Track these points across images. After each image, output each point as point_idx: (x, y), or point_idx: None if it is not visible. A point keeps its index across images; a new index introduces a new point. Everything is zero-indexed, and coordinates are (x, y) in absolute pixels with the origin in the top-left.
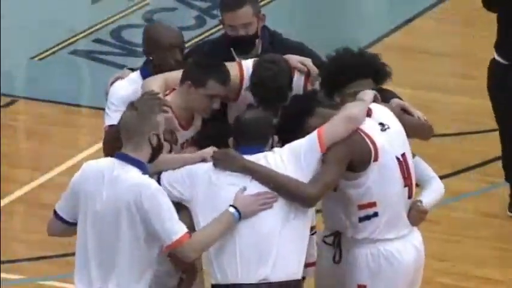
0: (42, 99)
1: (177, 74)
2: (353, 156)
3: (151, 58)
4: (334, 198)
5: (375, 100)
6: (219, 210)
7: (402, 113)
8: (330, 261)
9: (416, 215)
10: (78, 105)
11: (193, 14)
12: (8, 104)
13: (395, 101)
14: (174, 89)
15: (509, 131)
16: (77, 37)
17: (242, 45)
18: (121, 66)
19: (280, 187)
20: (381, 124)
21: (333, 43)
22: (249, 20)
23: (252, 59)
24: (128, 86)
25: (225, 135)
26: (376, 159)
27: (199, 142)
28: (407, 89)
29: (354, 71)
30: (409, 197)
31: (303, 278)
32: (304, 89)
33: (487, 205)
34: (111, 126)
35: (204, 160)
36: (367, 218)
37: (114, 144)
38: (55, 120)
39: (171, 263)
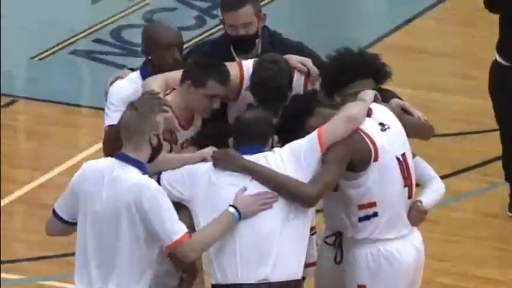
0: (42, 99)
1: (177, 74)
2: (353, 156)
3: (150, 58)
4: (334, 198)
5: (375, 100)
6: (219, 210)
7: (402, 113)
8: (331, 261)
9: (416, 215)
10: (78, 105)
11: (193, 14)
12: (8, 104)
13: (395, 101)
14: (174, 89)
15: (510, 132)
16: (77, 37)
17: (242, 45)
18: (121, 66)
19: (280, 187)
20: (381, 124)
21: (333, 43)
22: (249, 20)
23: (252, 59)
24: (127, 86)
25: (225, 135)
26: (376, 159)
27: (199, 142)
28: (407, 89)
29: (354, 71)
30: (409, 197)
31: (303, 278)
32: (305, 89)
33: (487, 205)
34: (111, 126)
35: (204, 160)
36: (367, 218)
37: (114, 144)
38: (55, 120)
39: (171, 263)
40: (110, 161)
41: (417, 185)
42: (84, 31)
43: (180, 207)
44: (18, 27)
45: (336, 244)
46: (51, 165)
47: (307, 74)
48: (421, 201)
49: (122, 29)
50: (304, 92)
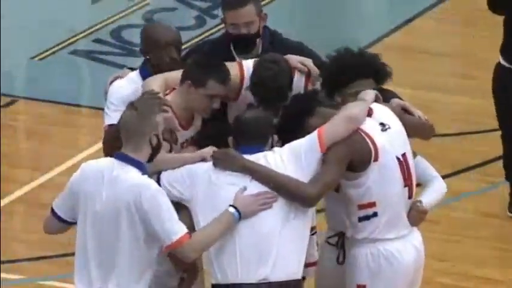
0: (42, 99)
1: (177, 74)
2: (353, 156)
3: (148, 58)
4: (336, 199)
5: (376, 100)
6: (218, 210)
7: (403, 113)
8: (333, 262)
9: (416, 215)
10: (78, 105)
11: (193, 14)
12: (8, 104)
13: (395, 100)
14: (174, 89)
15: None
16: (77, 37)
17: (243, 44)
18: (121, 66)
19: (280, 187)
20: (382, 124)
21: (333, 43)
22: (251, 19)
23: (253, 59)
24: (127, 86)
25: (225, 134)
26: (376, 159)
27: (199, 142)
28: (407, 89)
29: (354, 71)
30: (409, 197)
31: (303, 278)
32: (305, 89)
33: (487, 205)
34: (110, 125)
35: (204, 160)
36: (367, 218)
37: (114, 143)
38: (55, 120)
39: (172, 263)
40: (109, 161)
41: (418, 184)
42: (84, 31)
43: (180, 207)
44: (18, 27)
45: (339, 244)
46: (51, 165)
47: (308, 74)
48: (420, 201)
49: (122, 29)
50: (305, 91)
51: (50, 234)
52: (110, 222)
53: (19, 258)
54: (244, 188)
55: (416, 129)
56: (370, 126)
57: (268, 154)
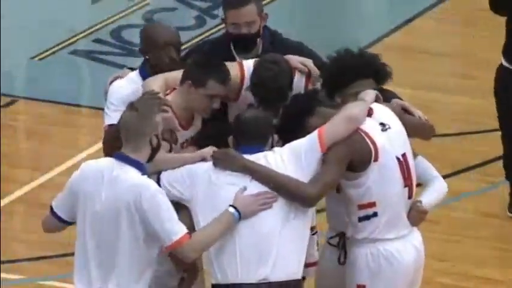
0: (42, 99)
1: (178, 74)
2: (353, 156)
3: (148, 58)
4: (337, 199)
5: (376, 100)
6: (218, 210)
7: (403, 113)
8: (334, 262)
9: (416, 215)
10: (78, 105)
11: (193, 14)
12: (8, 104)
13: (395, 100)
14: (174, 89)
15: None
16: (77, 37)
17: (244, 44)
18: (121, 66)
19: (280, 187)
20: (382, 124)
21: (333, 43)
22: (252, 19)
23: (253, 59)
24: (127, 86)
25: (225, 135)
26: (376, 159)
27: (199, 142)
28: (407, 89)
29: (354, 72)
30: (409, 197)
31: (303, 278)
32: (305, 90)
33: (487, 205)
34: (110, 125)
35: (204, 160)
36: (367, 218)
37: (114, 144)
38: (55, 120)
39: (172, 263)
40: (109, 161)
41: (418, 184)
42: (84, 31)
43: (180, 207)
44: (18, 27)
45: (340, 245)
46: (51, 165)
47: (308, 75)
48: (420, 202)
49: (122, 29)
50: (305, 91)
51: (49, 234)
52: (110, 222)
53: (19, 258)
54: (244, 188)
55: (416, 129)
56: (370, 126)
57: (268, 154)
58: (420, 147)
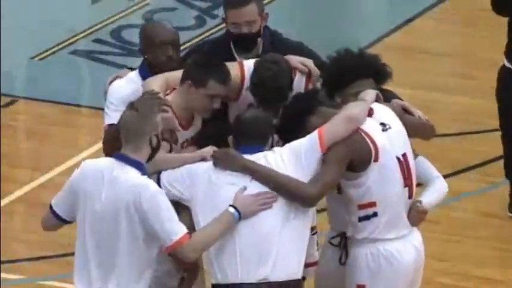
0: (42, 99)
1: (178, 74)
2: (353, 156)
3: (146, 57)
4: (338, 199)
5: (377, 100)
6: (218, 210)
7: (403, 113)
8: (335, 262)
9: (416, 215)
10: (78, 105)
11: (193, 14)
12: (8, 104)
13: (395, 101)
14: (174, 89)
15: None
16: (77, 37)
17: (244, 43)
18: (121, 66)
19: (280, 187)
20: (382, 124)
21: (333, 43)
22: (253, 18)
23: (254, 59)
24: (126, 85)
25: (225, 134)
26: (376, 159)
27: (199, 142)
28: (407, 89)
29: (354, 72)
30: (410, 197)
31: (303, 278)
32: (305, 90)
33: (487, 205)
34: (110, 125)
35: (204, 159)
36: (367, 218)
37: (114, 144)
38: (55, 120)
39: (174, 263)
40: (109, 161)
41: (419, 184)
42: (84, 31)
43: (180, 207)
44: (18, 27)
45: (341, 245)
46: (51, 165)
47: (308, 75)
48: (420, 202)
49: (122, 29)
50: (305, 90)
51: (49, 234)
52: (109, 222)
53: (19, 258)
54: (244, 188)
55: (417, 130)
56: (370, 126)
57: (268, 154)
58: (420, 147)
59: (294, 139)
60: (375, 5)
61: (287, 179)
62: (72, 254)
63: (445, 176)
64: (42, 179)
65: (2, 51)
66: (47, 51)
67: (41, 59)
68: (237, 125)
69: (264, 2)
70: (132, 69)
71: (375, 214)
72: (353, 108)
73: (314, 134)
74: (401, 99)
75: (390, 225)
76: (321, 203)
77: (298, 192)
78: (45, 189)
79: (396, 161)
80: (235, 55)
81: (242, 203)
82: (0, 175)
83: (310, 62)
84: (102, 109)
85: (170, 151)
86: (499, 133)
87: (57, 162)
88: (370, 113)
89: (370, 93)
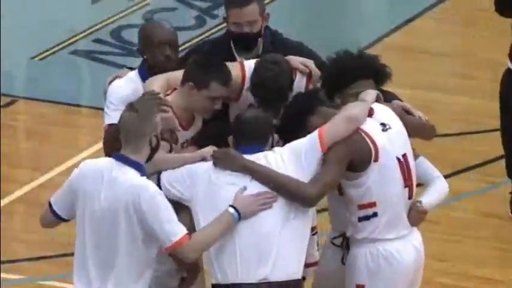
0: (42, 99)
1: (179, 74)
2: (353, 156)
3: (145, 57)
4: (339, 199)
5: (377, 100)
6: (218, 210)
7: (404, 113)
8: (336, 262)
9: (416, 216)
10: (78, 105)
11: (193, 14)
12: (8, 104)
13: (395, 102)
14: (175, 89)
15: None
16: (77, 37)
17: (245, 43)
18: (121, 66)
19: (280, 187)
20: (382, 124)
21: (333, 43)
22: (255, 18)
23: (254, 60)
24: (126, 85)
25: (226, 135)
26: (376, 160)
27: (199, 142)
28: (407, 89)
29: (354, 73)
30: (410, 197)
31: (303, 278)
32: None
33: (487, 205)
34: (110, 125)
35: (204, 159)
36: (367, 218)
37: (114, 144)
38: (55, 120)
39: (175, 263)
40: (109, 161)
41: (419, 184)
42: (84, 31)
43: (180, 207)
44: (18, 27)
45: (344, 245)
46: (51, 165)
47: (309, 75)
48: (420, 202)
49: (122, 29)
50: (306, 90)
51: (49, 234)
52: (109, 222)
53: (19, 258)
54: (244, 188)
55: (417, 130)
56: (370, 126)
57: (268, 154)
58: (420, 147)
59: (294, 139)
60: (375, 5)
61: (287, 179)
62: (72, 254)
63: (445, 176)
64: (42, 179)
65: (2, 51)
66: (47, 51)
67: (41, 59)
68: (237, 125)
69: (264, 2)
70: (131, 69)
71: (375, 214)
72: (353, 108)
73: (314, 134)
74: (401, 101)
75: (390, 225)
76: (321, 203)
77: (298, 192)
78: (45, 189)
79: (396, 161)
80: (236, 55)
81: (242, 203)
82: (0, 175)
83: (310, 63)
84: (102, 109)
85: (170, 151)
86: (499, 133)
87: (57, 162)
88: (371, 113)
89: (371, 94)
